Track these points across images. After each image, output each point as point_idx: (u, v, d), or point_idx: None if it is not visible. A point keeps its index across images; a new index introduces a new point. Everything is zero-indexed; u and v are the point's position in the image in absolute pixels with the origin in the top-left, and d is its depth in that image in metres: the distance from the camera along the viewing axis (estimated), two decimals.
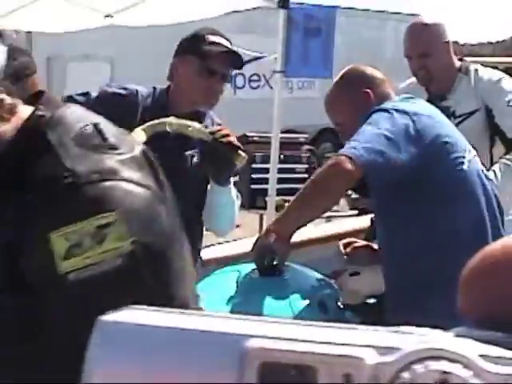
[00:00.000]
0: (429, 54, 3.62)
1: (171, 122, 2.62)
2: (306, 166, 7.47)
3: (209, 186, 2.86)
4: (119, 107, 2.71)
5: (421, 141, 2.70)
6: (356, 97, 2.88)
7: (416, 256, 2.73)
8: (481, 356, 0.32)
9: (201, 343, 0.39)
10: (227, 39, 3.01)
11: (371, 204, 3.10)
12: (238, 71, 3.34)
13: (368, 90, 2.88)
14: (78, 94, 3.00)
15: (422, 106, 2.87)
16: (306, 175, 7.50)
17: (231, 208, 2.89)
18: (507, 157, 3.46)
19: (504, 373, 0.30)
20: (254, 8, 5.92)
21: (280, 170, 5.53)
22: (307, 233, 3.71)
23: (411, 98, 2.94)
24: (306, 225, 2.68)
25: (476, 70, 3.73)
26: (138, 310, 0.50)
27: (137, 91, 2.97)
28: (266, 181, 5.60)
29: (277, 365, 0.35)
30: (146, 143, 2.51)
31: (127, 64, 12.09)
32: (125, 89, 2.99)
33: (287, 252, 2.68)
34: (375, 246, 3.01)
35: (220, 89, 2.95)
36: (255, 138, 7.81)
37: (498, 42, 24.95)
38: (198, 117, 2.86)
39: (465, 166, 2.78)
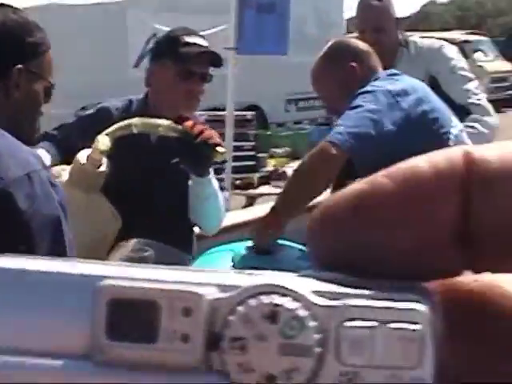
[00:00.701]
0: (383, 28, 3.62)
1: (136, 123, 2.51)
2: (253, 143, 7.40)
3: (189, 181, 2.79)
4: (94, 127, 2.61)
5: (407, 120, 2.68)
6: (341, 71, 2.83)
7: None
8: (313, 292, 0.34)
9: (58, 284, 0.42)
10: (203, 37, 2.96)
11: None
12: None
13: (354, 64, 2.84)
14: (54, 129, 2.95)
15: (406, 83, 2.83)
16: (253, 153, 7.43)
17: (215, 201, 2.82)
18: (466, 124, 3.35)
19: (330, 305, 0.33)
20: None
21: None
22: None
23: (396, 74, 2.90)
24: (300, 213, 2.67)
25: (415, 42, 3.74)
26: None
27: (109, 107, 2.92)
28: None
29: (124, 300, 0.38)
30: (112, 148, 2.45)
31: (58, 48, 11.81)
32: (97, 108, 2.96)
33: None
34: None
35: (200, 90, 2.89)
36: (205, 117, 7.71)
37: (402, 17, 25.45)
38: (182, 121, 2.74)
39: (451, 142, 2.76)
